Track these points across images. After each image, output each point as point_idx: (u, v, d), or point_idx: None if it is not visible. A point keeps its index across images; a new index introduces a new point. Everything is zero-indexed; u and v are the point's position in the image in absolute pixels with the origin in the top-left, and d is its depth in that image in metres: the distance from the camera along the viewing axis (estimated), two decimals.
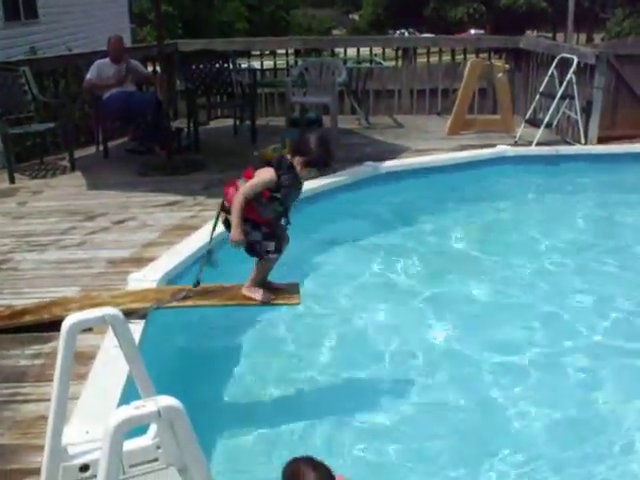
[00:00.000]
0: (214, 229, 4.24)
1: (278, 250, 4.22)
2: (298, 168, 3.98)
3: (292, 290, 4.42)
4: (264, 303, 4.31)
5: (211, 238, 4.26)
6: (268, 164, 4.02)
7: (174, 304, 4.34)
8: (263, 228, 4.15)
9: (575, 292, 5.89)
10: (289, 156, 4.01)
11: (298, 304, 4.40)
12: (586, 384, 4.56)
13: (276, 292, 4.36)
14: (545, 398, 4.37)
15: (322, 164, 4.03)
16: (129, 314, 3.74)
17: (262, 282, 4.34)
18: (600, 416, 4.23)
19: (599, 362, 4.77)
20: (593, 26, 44.45)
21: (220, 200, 4.21)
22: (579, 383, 4.58)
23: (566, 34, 17.73)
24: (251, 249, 4.21)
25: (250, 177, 4.02)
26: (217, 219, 4.22)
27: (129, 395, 3.09)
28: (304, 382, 4.54)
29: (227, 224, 4.16)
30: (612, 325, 5.28)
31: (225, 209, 4.13)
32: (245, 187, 3.98)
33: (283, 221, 4.19)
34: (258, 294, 4.29)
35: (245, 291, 4.33)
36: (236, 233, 4.03)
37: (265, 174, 3.98)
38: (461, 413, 4.24)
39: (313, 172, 4.03)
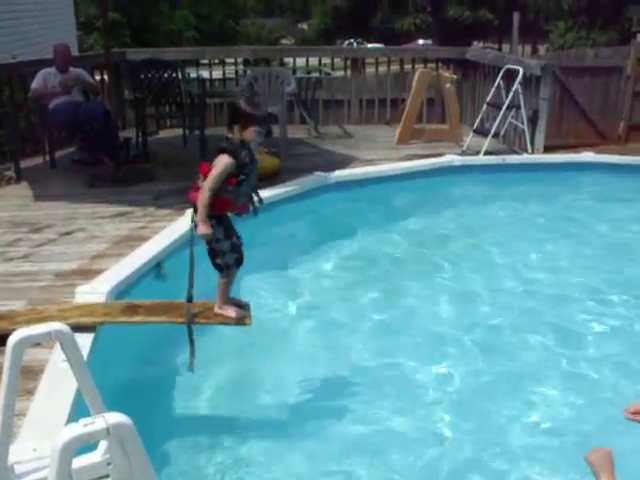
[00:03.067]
0: (192, 240, 4.16)
1: (238, 264, 4.23)
2: (246, 136, 3.99)
3: (243, 309, 4.39)
4: (239, 321, 4.30)
5: (191, 252, 4.13)
6: (221, 152, 4.01)
7: (123, 320, 4.30)
8: (233, 238, 4.16)
9: (521, 300, 6.02)
10: (233, 135, 4.03)
11: (249, 324, 4.36)
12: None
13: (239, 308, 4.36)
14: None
15: (260, 118, 4.04)
16: (77, 329, 3.69)
17: (227, 298, 4.33)
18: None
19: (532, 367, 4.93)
20: (537, 38, 45.26)
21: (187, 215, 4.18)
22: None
23: (512, 45, 18.00)
24: (214, 260, 4.19)
25: (207, 172, 4.00)
26: (192, 227, 4.15)
27: (79, 411, 3.05)
28: (257, 396, 4.55)
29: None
30: (560, 329, 5.45)
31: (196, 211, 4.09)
32: (207, 182, 3.95)
33: (256, 199, 4.17)
34: (231, 312, 4.29)
35: (218, 310, 4.31)
36: (202, 226, 3.99)
37: (222, 161, 3.97)
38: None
39: (259, 131, 4.02)
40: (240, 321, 4.33)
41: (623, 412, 2.59)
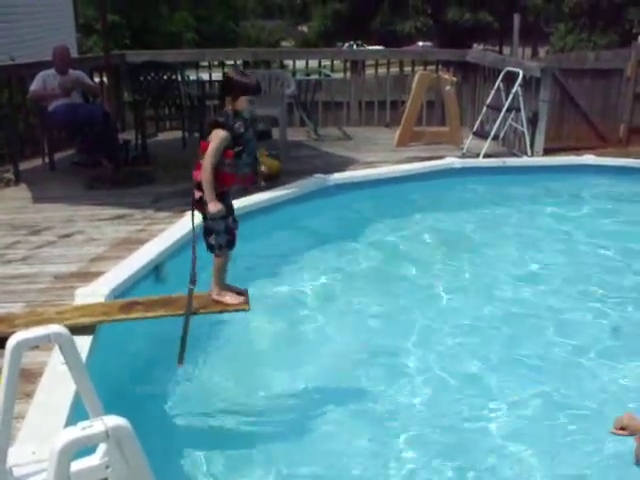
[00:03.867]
0: (194, 227, 4.16)
1: (229, 246, 4.25)
2: (238, 106, 4.01)
3: (242, 295, 4.41)
4: (237, 306, 4.30)
5: (194, 239, 4.14)
6: (215, 126, 4.03)
7: (122, 317, 4.29)
8: (229, 220, 4.18)
9: (522, 303, 6.00)
10: (226, 108, 4.06)
11: (247, 310, 4.38)
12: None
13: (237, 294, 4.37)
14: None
15: (251, 86, 4.06)
16: (76, 330, 3.68)
17: (224, 283, 4.34)
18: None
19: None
20: (538, 40, 45.27)
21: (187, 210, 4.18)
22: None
23: (512, 48, 17.98)
24: (207, 237, 4.20)
25: (206, 149, 4.02)
26: (193, 215, 4.15)
27: (78, 413, 3.04)
28: (256, 397, 4.54)
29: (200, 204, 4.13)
30: (562, 331, 5.45)
31: (199, 187, 4.08)
32: (205, 158, 3.98)
33: (260, 169, 4.21)
34: (229, 297, 4.31)
35: (216, 297, 4.32)
36: (213, 204, 4.01)
37: (216, 135, 4.00)
38: None
39: (251, 100, 4.05)
40: (238, 307, 4.33)
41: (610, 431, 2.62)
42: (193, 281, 4.15)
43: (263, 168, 4.20)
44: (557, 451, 4.01)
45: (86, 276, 5.24)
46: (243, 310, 4.38)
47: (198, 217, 4.17)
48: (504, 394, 4.59)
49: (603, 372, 4.86)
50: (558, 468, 3.88)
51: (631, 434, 2.73)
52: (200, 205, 4.10)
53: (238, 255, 4.51)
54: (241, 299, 4.34)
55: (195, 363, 4.65)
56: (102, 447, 2.57)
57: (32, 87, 8.46)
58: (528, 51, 43.81)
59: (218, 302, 4.32)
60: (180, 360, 4.16)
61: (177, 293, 4.47)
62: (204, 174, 3.97)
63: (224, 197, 4.15)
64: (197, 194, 4.09)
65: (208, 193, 4.00)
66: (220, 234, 4.19)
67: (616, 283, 6.38)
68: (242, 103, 4.02)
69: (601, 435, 3.64)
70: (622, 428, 2.76)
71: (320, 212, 7.57)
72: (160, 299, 4.49)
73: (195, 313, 4.23)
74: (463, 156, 9.46)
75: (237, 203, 4.84)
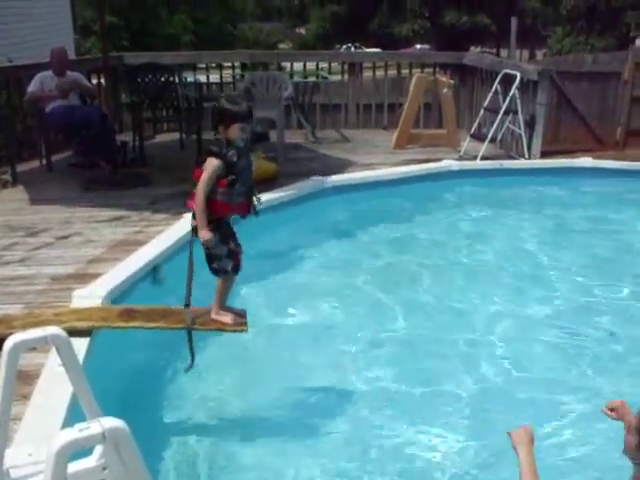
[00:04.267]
0: (191, 247, 4.16)
1: (235, 270, 4.24)
2: (230, 134, 4.01)
3: (240, 316, 4.40)
4: (235, 327, 4.31)
5: (190, 259, 4.13)
6: (209, 155, 4.03)
7: (120, 324, 4.29)
8: (231, 244, 4.16)
9: (516, 302, 6.02)
10: (219, 136, 4.07)
11: (245, 331, 4.37)
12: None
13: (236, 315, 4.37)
14: None
15: (241, 114, 4.05)
16: (73, 332, 3.68)
17: (224, 305, 4.34)
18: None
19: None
20: (535, 43, 45.35)
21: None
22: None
23: (509, 50, 18.03)
24: (211, 264, 4.19)
25: (199, 177, 4.01)
26: (192, 233, 4.16)
27: (75, 415, 3.04)
28: (254, 401, 4.54)
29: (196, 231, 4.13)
30: (558, 333, 5.49)
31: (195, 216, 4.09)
32: (198, 187, 3.98)
33: (255, 200, 4.18)
34: (228, 318, 4.29)
35: (215, 316, 4.31)
36: (203, 232, 4.01)
37: (209, 163, 3.99)
38: None
39: (243, 128, 4.03)
40: (236, 327, 4.33)
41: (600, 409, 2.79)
42: (187, 305, 4.16)
43: (257, 198, 4.19)
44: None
45: (83, 278, 5.24)
46: (241, 331, 4.37)
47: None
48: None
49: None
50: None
51: (618, 418, 2.82)
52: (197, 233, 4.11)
53: None
54: (239, 320, 4.33)
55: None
56: (99, 449, 2.58)
57: (29, 89, 8.45)
58: (525, 54, 43.86)
59: (216, 321, 4.32)
60: (188, 369, 4.21)
61: (177, 305, 4.46)
62: (197, 202, 3.97)
63: (223, 224, 4.14)
64: (193, 223, 4.09)
65: (200, 220, 4.00)
66: (222, 259, 4.17)
67: (616, 283, 6.42)
68: (234, 131, 4.01)
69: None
70: (612, 410, 2.86)
71: (317, 214, 7.59)
72: (159, 309, 4.48)
73: (193, 328, 4.23)
74: (460, 158, 9.47)
75: None
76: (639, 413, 2.47)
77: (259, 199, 4.21)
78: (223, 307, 4.33)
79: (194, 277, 4.10)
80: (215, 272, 4.23)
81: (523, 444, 2.70)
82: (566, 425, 4.31)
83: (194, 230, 4.09)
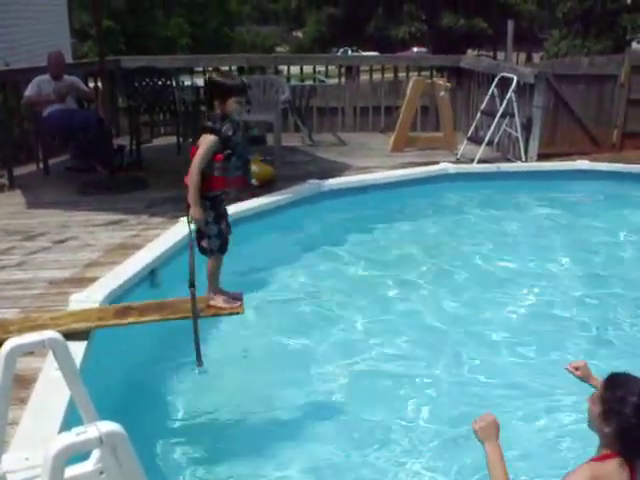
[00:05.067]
0: (190, 231, 4.20)
1: (221, 250, 4.28)
2: (227, 108, 4.03)
3: (236, 299, 4.43)
4: (231, 309, 4.33)
5: (189, 243, 4.18)
6: (203, 131, 4.05)
7: (116, 322, 4.29)
8: (222, 224, 4.21)
9: (514, 304, 6.03)
10: (214, 111, 4.09)
11: (241, 313, 4.40)
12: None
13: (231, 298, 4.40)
14: None
15: (237, 87, 4.09)
16: (70, 336, 3.68)
17: (218, 288, 4.35)
18: None
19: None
20: (532, 46, 45.40)
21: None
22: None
23: (506, 53, 18.05)
24: (200, 241, 4.23)
25: (195, 153, 4.04)
26: (189, 221, 4.18)
27: (72, 419, 3.03)
28: (251, 404, 4.53)
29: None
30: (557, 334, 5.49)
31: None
32: (193, 163, 4.01)
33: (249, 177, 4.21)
34: (224, 301, 4.34)
35: (209, 302, 4.33)
36: (196, 211, 4.03)
37: (205, 139, 4.02)
38: None
39: (238, 101, 4.07)
40: (232, 310, 4.35)
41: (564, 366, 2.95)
42: (192, 284, 4.15)
43: (254, 167, 4.21)
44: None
45: (81, 282, 5.23)
46: (237, 314, 4.40)
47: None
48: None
49: None
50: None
51: (582, 377, 2.99)
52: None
53: (233, 259, 4.51)
54: (235, 303, 4.36)
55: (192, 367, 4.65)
56: (96, 453, 2.57)
57: (27, 93, 8.45)
58: (522, 57, 43.96)
59: (212, 306, 4.33)
60: (198, 361, 4.23)
61: (172, 298, 4.48)
62: (191, 177, 4.00)
63: (217, 203, 4.16)
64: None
65: (192, 196, 4.02)
66: (212, 238, 4.22)
67: (616, 283, 6.44)
68: (231, 105, 4.04)
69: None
70: (577, 369, 2.96)
71: (314, 218, 7.58)
72: (154, 303, 4.51)
73: (190, 317, 4.23)
74: (457, 161, 9.47)
75: (231, 209, 4.86)
76: (603, 382, 2.54)
77: (252, 177, 4.27)
78: (217, 290, 4.34)
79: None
80: (203, 250, 4.28)
81: (490, 439, 2.70)
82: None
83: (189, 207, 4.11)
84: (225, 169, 4.04)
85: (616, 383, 2.54)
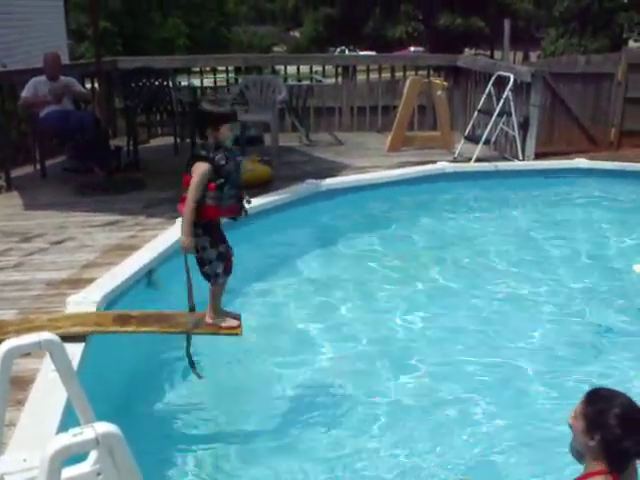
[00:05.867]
0: (185, 258, 4.16)
1: (227, 272, 4.26)
2: (220, 136, 4.03)
3: (235, 320, 4.42)
4: (230, 330, 4.33)
5: (186, 264, 4.14)
6: (197, 160, 4.03)
7: (114, 330, 4.28)
8: (221, 247, 4.17)
9: (511, 305, 6.03)
10: (207, 140, 4.08)
11: (239, 334, 4.39)
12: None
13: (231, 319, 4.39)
14: None
15: (228, 114, 4.11)
16: (68, 337, 3.68)
17: (219, 308, 4.35)
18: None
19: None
20: (529, 45, 45.41)
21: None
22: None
23: (503, 52, 18.06)
24: (202, 268, 4.20)
25: (189, 182, 4.02)
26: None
27: (70, 420, 3.03)
28: (251, 404, 4.54)
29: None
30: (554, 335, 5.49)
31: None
32: (189, 193, 3.98)
33: (245, 202, 4.18)
34: (223, 322, 4.33)
35: (209, 320, 4.33)
36: (185, 239, 4.01)
37: (198, 168, 4.00)
38: None
39: (230, 127, 4.08)
40: (231, 331, 4.34)
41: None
42: (192, 309, 4.17)
43: (247, 200, 4.19)
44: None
45: (78, 283, 5.22)
46: (235, 334, 4.39)
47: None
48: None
49: None
50: None
51: None
52: None
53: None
54: (234, 323, 4.35)
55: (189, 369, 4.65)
56: (93, 454, 2.57)
57: (23, 94, 8.44)
58: (519, 56, 43.96)
59: (210, 325, 4.32)
60: (197, 374, 4.22)
61: (171, 310, 4.47)
62: (185, 207, 3.98)
63: (212, 227, 4.15)
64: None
65: (185, 225, 4.01)
66: (213, 262, 4.19)
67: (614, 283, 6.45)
68: (224, 132, 4.04)
69: None
70: None
71: (312, 217, 7.58)
72: (154, 314, 4.49)
73: (188, 333, 4.24)
74: (455, 161, 9.47)
75: None
76: (585, 398, 2.56)
77: (249, 201, 4.22)
78: (217, 310, 4.34)
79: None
80: (206, 276, 4.25)
81: None
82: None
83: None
84: (218, 197, 4.02)
85: (598, 396, 2.58)
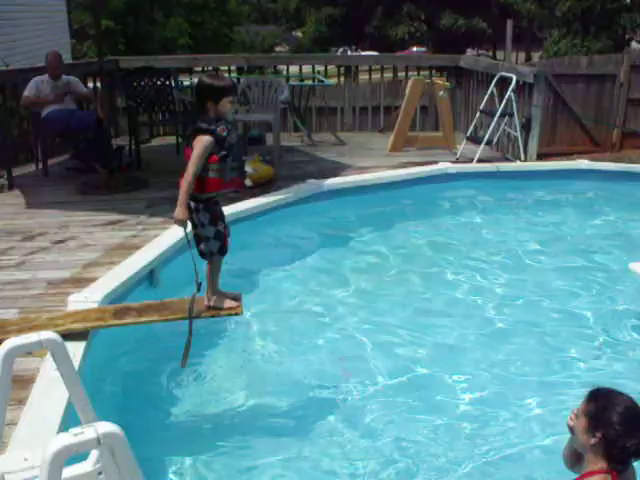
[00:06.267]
0: (187, 237, 4.15)
1: (222, 252, 4.23)
2: (221, 110, 4.02)
3: (235, 300, 4.41)
4: (230, 310, 4.31)
5: (188, 241, 4.15)
6: (198, 132, 4.02)
7: (115, 323, 4.28)
8: (220, 226, 4.15)
9: (510, 305, 6.03)
10: (207, 113, 4.05)
11: (241, 314, 4.39)
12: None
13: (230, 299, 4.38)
14: None
15: (229, 87, 4.08)
16: (69, 336, 3.68)
17: (217, 289, 4.33)
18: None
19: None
20: (531, 45, 45.42)
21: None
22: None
23: (505, 53, 18.06)
24: (198, 245, 4.19)
25: (190, 155, 4.00)
26: (185, 226, 4.14)
27: (71, 420, 3.03)
28: (248, 404, 4.53)
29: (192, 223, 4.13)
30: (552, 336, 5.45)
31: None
32: (189, 165, 3.95)
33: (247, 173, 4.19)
34: (223, 302, 4.30)
35: (208, 303, 4.31)
36: (180, 211, 3.97)
37: (200, 140, 3.98)
38: None
39: (231, 100, 4.07)
40: (231, 311, 4.33)
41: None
42: (198, 288, 4.14)
43: (250, 169, 4.18)
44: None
45: (80, 282, 5.22)
46: (236, 314, 4.39)
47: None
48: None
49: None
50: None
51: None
52: (190, 213, 4.08)
53: (231, 259, 4.51)
54: (234, 304, 4.33)
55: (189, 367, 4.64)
56: (95, 453, 2.57)
57: (25, 93, 8.45)
58: (522, 56, 43.97)
59: (210, 307, 4.32)
60: (183, 362, 4.14)
61: (170, 299, 4.48)
62: (185, 179, 3.93)
63: (214, 204, 4.14)
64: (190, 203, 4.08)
65: (181, 195, 3.95)
66: (210, 240, 4.16)
67: (615, 285, 6.43)
68: (224, 105, 4.02)
69: None
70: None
71: (313, 218, 7.57)
72: (153, 304, 4.49)
73: (190, 318, 4.21)
74: (457, 161, 9.46)
75: (229, 209, 4.85)
76: (586, 397, 2.59)
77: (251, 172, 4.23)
78: (216, 291, 4.32)
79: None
80: (202, 254, 4.23)
81: None
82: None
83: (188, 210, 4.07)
84: (220, 170, 4.00)
85: (600, 395, 2.61)
